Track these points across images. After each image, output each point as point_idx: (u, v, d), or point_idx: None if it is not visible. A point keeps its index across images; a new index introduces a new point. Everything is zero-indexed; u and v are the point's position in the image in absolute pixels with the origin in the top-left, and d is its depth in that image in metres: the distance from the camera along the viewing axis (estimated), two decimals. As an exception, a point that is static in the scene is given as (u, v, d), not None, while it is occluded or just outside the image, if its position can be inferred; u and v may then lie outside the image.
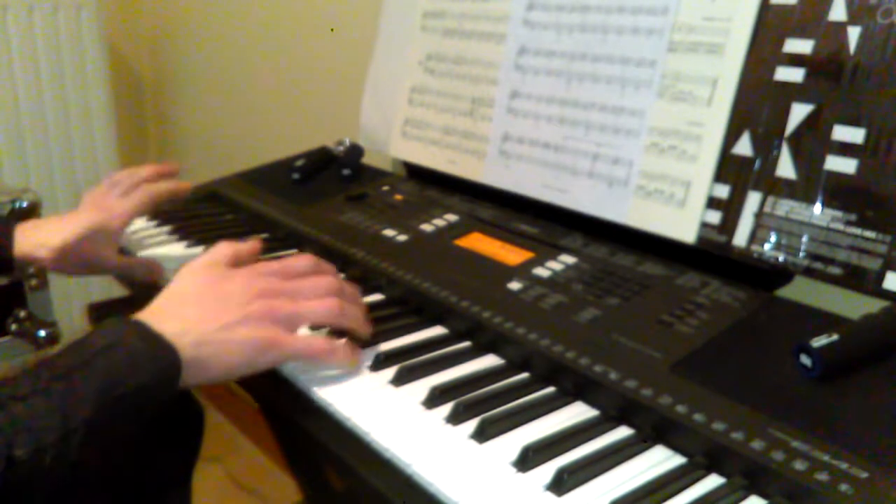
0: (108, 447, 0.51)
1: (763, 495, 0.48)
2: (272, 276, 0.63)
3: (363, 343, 0.66)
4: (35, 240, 0.80)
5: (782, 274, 0.69)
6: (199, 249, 0.90)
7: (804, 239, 0.65)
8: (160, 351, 0.54)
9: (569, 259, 0.76)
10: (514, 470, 0.50)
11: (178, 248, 0.93)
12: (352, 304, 0.65)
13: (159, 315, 0.57)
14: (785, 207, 0.67)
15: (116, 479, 0.57)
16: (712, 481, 0.49)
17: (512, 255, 0.78)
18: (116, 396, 0.50)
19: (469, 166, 0.96)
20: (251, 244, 0.68)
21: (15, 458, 0.45)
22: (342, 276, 0.82)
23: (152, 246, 0.93)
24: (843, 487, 0.44)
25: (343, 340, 0.64)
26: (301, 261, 0.66)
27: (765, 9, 0.69)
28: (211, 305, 0.59)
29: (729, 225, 0.70)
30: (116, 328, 0.54)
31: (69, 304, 1.82)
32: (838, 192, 0.64)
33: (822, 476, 0.45)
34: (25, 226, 0.82)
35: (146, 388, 0.52)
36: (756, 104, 0.69)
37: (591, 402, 0.58)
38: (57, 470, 0.47)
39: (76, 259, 0.80)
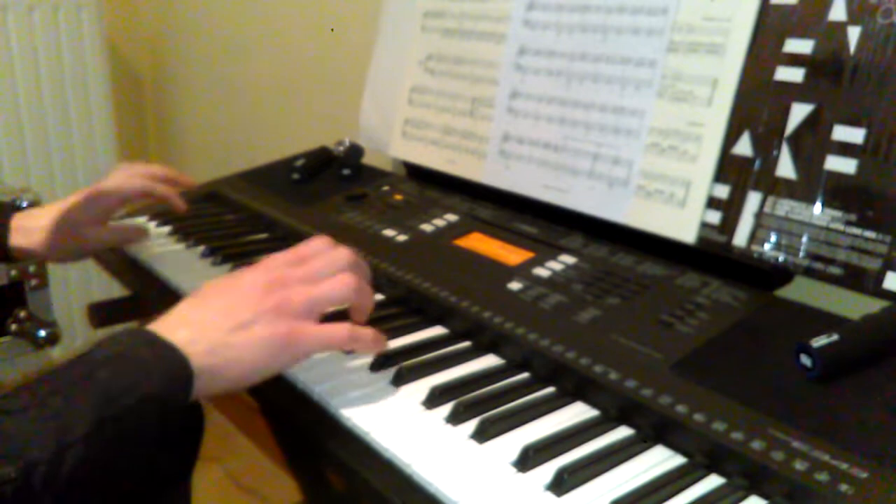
0: (111, 462, 0.48)
1: (763, 495, 0.48)
2: (283, 266, 0.60)
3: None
4: (27, 225, 0.83)
5: (782, 274, 0.69)
6: (199, 249, 0.90)
7: (804, 239, 0.65)
8: (169, 359, 0.51)
9: (569, 259, 0.76)
10: (514, 470, 0.50)
11: (178, 249, 0.93)
12: (363, 278, 0.62)
13: (170, 323, 0.54)
14: (785, 207, 0.67)
15: (115, 483, 0.56)
16: (712, 481, 0.49)
17: (512, 255, 0.78)
18: (120, 409, 0.47)
19: (469, 166, 0.96)
20: None
21: (2, 477, 0.43)
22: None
23: (153, 246, 0.93)
24: (843, 487, 0.44)
25: (369, 328, 0.61)
26: (313, 242, 0.63)
27: (765, 9, 0.69)
28: (221, 308, 0.55)
29: (729, 225, 0.70)
30: (123, 337, 0.52)
31: (69, 304, 1.82)
32: (838, 192, 0.64)
33: (822, 476, 0.45)
34: (20, 215, 0.85)
35: (153, 400, 0.49)
36: (756, 104, 0.69)
37: (591, 402, 0.58)
38: (49, 487, 0.44)
39: (67, 236, 0.83)
